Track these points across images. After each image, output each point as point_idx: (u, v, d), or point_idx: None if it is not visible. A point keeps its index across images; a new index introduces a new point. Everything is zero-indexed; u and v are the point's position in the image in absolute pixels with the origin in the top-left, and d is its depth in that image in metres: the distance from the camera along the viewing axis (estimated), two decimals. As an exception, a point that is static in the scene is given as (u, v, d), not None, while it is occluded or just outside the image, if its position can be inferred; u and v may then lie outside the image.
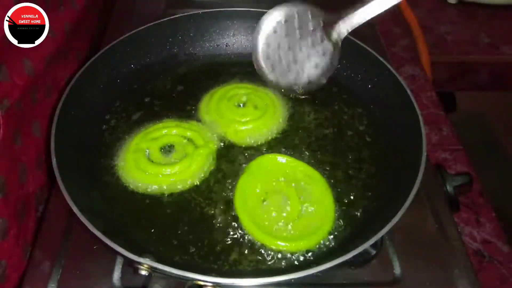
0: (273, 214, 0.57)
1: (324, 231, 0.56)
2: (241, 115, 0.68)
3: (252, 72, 0.74)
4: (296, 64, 0.71)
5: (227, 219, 0.57)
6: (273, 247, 0.54)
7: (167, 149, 0.63)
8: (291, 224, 0.56)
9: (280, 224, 0.56)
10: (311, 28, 0.69)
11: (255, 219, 0.56)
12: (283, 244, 0.54)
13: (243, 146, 0.65)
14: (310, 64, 0.71)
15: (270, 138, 0.67)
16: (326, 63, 0.70)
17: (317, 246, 0.55)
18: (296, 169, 0.62)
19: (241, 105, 0.70)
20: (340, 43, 0.69)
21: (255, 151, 0.65)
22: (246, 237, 0.55)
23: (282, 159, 0.63)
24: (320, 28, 0.69)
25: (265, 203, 0.58)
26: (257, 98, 0.70)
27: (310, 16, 0.68)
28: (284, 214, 0.57)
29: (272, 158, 0.63)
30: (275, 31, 0.70)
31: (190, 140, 0.64)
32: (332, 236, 0.56)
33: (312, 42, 0.70)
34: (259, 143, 0.66)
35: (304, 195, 0.59)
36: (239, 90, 0.71)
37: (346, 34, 0.68)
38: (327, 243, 0.55)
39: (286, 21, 0.69)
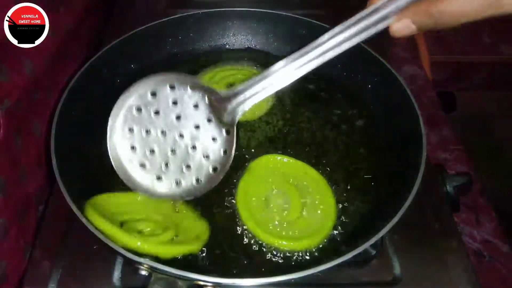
0: (275, 213, 0.57)
1: (326, 230, 0.56)
2: None
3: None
4: (176, 156, 0.52)
5: (229, 219, 0.57)
6: (275, 247, 0.54)
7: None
8: (293, 223, 0.56)
9: (283, 223, 0.56)
10: (193, 105, 0.51)
11: (257, 219, 0.56)
12: (285, 243, 0.54)
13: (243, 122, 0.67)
14: (197, 155, 0.52)
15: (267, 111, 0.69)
16: (218, 153, 0.52)
17: (317, 246, 0.55)
18: (297, 169, 0.62)
19: (230, 85, 0.72)
20: (235, 128, 0.51)
21: (256, 149, 0.65)
22: (248, 237, 0.55)
23: (282, 159, 0.63)
24: (205, 105, 0.51)
25: (267, 202, 0.58)
26: (243, 77, 0.73)
27: (189, 88, 0.51)
28: (286, 214, 0.57)
29: (272, 158, 0.63)
30: (138, 110, 0.52)
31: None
32: (332, 236, 0.56)
33: (195, 124, 0.52)
34: (258, 116, 0.69)
35: (305, 195, 0.59)
36: (225, 73, 0.74)
37: (241, 115, 0.51)
38: (327, 243, 0.55)
39: (153, 94, 0.51)
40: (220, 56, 0.81)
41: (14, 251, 0.56)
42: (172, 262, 0.51)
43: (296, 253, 0.54)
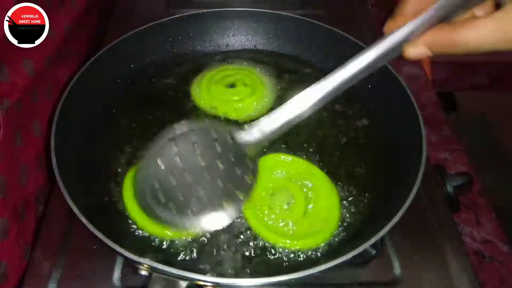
0: (279, 212, 0.57)
1: (330, 229, 0.56)
2: (235, 94, 0.71)
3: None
4: (208, 195, 0.49)
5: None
6: (279, 245, 0.54)
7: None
8: (297, 222, 0.56)
9: (286, 222, 0.56)
10: (219, 149, 0.50)
11: (261, 218, 0.56)
12: (289, 242, 0.54)
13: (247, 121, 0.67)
14: (227, 187, 0.50)
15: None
16: (245, 182, 0.50)
17: (321, 245, 0.55)
18: (301, 168, 0.62)
19: (231, 85, 0.72)
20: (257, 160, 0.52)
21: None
22: (250, 236, 0.56)
23: (286, 158, 0.63)
24: (230, 145, 0.50)
25: (270, 201, 0.58)
26: (243, 76, 0.73)
27: (213, 134, 0.51)
28: (290, 213, 0.57)
29: (275, 157, 0.63)
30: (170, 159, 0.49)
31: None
32: (333, 236, 0.56)
33: (225, 161, 0.50)
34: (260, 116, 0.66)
35: (309, 194, 0.59)
36: (223, 72, 0.74)
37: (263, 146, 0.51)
38: (327, 243, 0.55)
39: (193, 143, 0.50)
40: (220, 56, 0.81)
41: (14, 251, 0.56)
42: (172, 262, 0.51)
43: (297, 253, 0.54)
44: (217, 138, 0.50)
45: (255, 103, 0.70)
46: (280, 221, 0.56)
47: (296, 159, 0.63)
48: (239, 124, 0.67)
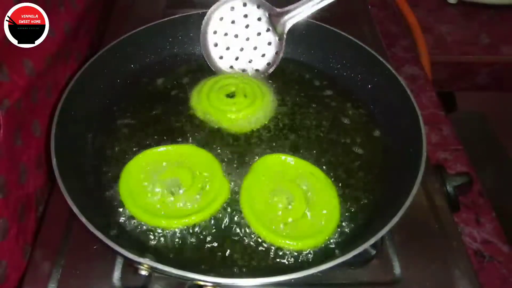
0: (279, 212, 0.57)
1: (330, 229, 0.56)
2: (233, 104, 0.69)
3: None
4: (243, 52, 0.74)
5: (231, 218, 0.57)
6: (279, 246, 0.54)
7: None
8: (297, 223, 0.56)
9: (287, 222, 0.56)
10: (257, 18, 0.72)
11: (261, 218, 0.56)
12: (289, 242, 0.54)
13: (243, 133, 0.67)
14: (257, 53, 0.74)
15: (265, 124, 0.69)
16: (272, 53, 0.73)
17: (321, 245, 0.55)
18: (301, 169, 0.62)
19: (231, 95, 0.71)
20: (285, 36, 0.72)
21: (259, 148, 0.65)
22: (250, 237, 0.56)
23: (286, 158, 0.63)
24: (266, 18, 0.72)
25: (271, 202, 0.58)
26: (245, 86, 0.71)
27: (256, 6, 0.72)
28: (290, 213, 0.57)
29: (276, 158, 0.63)
30: (221, 18, 0.73)
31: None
32: (333, 236, 0.56)
33: (258, 31, 0.73)
34: (255, 129, 0.68)
35: (309, 194, 0.59)
36: (226, 81, 0.73)
37: (289, 27, 0.71)
38: (327, 242, 0.55)
39: (232, 8, 0.72)
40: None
41: (14, 251, 0.56)
42: (172, 262, 0.51)
43: (297, 253, 0.54)
44: (258, 11, 0.72)
45: (249, 116, 0.68)
46: (281, 221, 0.56)
47: (296, 160, 0.63)
48: (232, 136, 0.66)
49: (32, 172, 0.62)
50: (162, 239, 0.55)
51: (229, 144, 0.65)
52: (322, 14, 0.73)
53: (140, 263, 0.46)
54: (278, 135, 0.67)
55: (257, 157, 0.63)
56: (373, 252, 0.56)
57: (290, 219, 0.56)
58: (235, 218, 0.57)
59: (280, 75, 0.76)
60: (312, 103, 0.72)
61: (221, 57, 0.75)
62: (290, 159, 0.63)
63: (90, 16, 0.87)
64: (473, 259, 0.62)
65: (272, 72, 0.75)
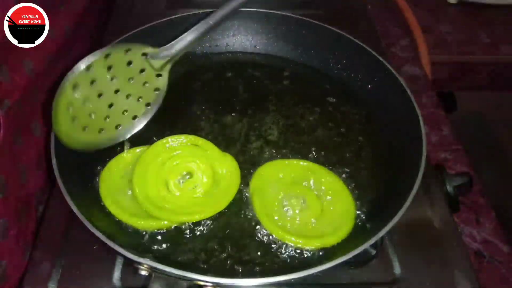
0: (292, 213, 0.57)
1: (348, 225, 0.56)
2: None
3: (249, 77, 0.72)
4: (114, 107, 0.60)
5: (234, 219, 0.57)
6: (292, 244, 0.55)
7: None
8: (311, 224, 0.57)
9: (306, 222, 0.57)
10: (126, 63, 0.60)
11: (273, 217, 0.57)
12: (302, 241, 0.54)
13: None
14: (132, 100, 0.62)
15: (268, 127, 0.68)
16: (151, 92, 0.63)
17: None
18: (300, 169, 0.62)
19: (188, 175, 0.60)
20: (167, 72, 0.63)
21: (260, 152, 0.65)
22: (252, 236, 0.56)
23: (289, 162, 0.63)
24: (139, 60, 0.61)
25: (284, 206, 0.58)
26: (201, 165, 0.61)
27: (123, 52, 0.59)
28: (303, 215, 0.57)
29: (279, 164, 0.63)
30: (75, 88, 0.55)
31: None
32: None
33: (129, 77, 0.60)
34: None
35: (322, 197, 0.59)
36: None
37: (168, 60, 0.63)
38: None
39: (88, 69, 0.55)
40: (220, 57, 0.81)
41: (14, 251, 0.56)
42: (172, 262, 0.51)
43: (297, 253, 0.54)
44: (131, 61, 0.60)
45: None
46: (298, 221, 0.56)
47: (296, 162, 0.63)
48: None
49: (32, 172, 0.62)
50: (162, 239, 0.55)
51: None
52: (322, 14, 0.73)
53: (140, 263, 0.46)
54: (280, 138, 0.67)
55: (261, 163, 0.63)
56: (373, 252, 0.56)
57: (307, 219, 0.57)
58: (236, 218, 0.57)
59: (280, 76, 0.76)
60: (312, 104, 0.72)
61: (84, 129, 0.58)
62: (293, 162, 0.63)
63: (90, 16, 0.87)
64: (473, 259, 0.62)
65: (272, 73, 0.74)
